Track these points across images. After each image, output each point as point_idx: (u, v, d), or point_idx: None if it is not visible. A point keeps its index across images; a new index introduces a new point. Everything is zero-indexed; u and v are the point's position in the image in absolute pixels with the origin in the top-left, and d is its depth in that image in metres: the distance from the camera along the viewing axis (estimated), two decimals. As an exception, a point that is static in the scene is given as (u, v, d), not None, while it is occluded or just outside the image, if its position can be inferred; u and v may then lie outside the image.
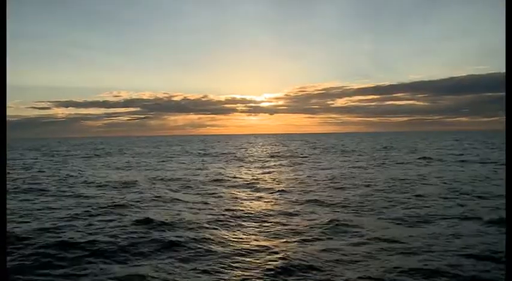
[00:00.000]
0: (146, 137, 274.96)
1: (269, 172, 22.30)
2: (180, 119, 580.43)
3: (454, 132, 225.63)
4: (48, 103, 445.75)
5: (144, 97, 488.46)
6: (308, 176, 19.41)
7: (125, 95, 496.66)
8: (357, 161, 28.18)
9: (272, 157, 36.38)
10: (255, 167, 25.58)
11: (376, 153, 38.30)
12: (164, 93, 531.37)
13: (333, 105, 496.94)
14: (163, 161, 31.43)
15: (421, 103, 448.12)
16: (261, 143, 79.15)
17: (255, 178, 19.44)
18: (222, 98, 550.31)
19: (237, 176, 20.28)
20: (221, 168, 25.07)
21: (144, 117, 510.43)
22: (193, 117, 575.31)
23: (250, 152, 46.09)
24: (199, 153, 43.97)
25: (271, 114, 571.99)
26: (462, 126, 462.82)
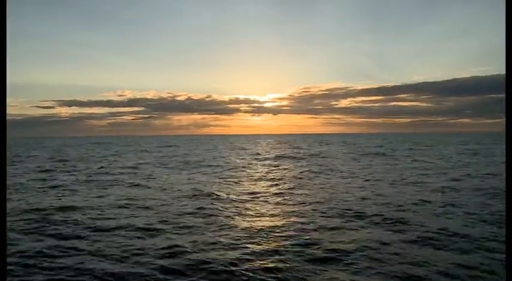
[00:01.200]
0: (151, 137, 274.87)
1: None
2: (184, 119, 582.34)
3: (457, 134, 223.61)
4: (52, 102, 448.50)
5: (148, 97, 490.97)
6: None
7: (128, 95, 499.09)
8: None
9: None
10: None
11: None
12: (168, 93, 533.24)
13: (336, 106, 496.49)
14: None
15: (425, 104, 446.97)
16: (298, 144, 73.96)
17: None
18: (226, 98, 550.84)
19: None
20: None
21: (148, 117, 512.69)
22: (197, 117, 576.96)
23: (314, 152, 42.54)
24: (266, 154, 40.30)
25: (274, 114, 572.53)
26: (465, 128, 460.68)
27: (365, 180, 17.85)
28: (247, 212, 11.18)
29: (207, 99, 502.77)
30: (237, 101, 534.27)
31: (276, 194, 14.39)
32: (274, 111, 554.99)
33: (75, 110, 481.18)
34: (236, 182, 17.80)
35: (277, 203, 12.52)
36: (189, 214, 10.80)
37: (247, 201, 12.93)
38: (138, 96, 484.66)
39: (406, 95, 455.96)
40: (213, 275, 6.31)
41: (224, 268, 6.58)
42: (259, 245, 7.85)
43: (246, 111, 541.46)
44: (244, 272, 6.41)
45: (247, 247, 7.69)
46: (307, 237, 8.34)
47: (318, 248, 7.62)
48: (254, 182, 17.92)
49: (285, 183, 17.38)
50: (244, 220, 10.10)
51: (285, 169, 24.47)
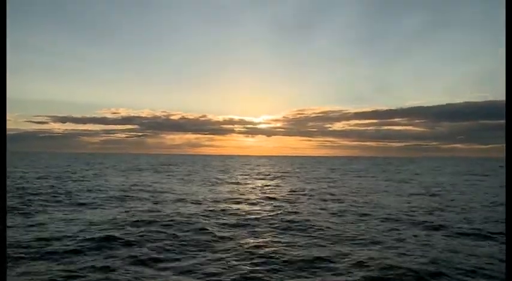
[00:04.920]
0: (144, 155, 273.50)
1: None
2: (177, 138, 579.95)
3: (451, 158, 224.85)
4: (46, 118, 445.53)
5: (143, 115, 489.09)
6: None
7: (123, 113, 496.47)
8: None
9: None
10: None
11: None
12: (163, 111, 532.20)
13: (330, 129, 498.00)
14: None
15: (418, 129, 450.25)
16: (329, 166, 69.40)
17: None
18: (220, 118, 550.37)
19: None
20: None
21: (141, 135, 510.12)
22: (190, 136, 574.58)
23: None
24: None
25: (268, 136, 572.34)
26: (457, 153, 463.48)
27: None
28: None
29: (201, 119, 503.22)
30: (232, 122, 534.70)
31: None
32: (268, 132, 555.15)
33: (68, 126, 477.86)
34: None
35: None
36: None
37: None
38: (133, 114, 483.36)
39: (400, 119, 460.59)
40: None
41: None
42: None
43: (240, 132, 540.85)
44: None
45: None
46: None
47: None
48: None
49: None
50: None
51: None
